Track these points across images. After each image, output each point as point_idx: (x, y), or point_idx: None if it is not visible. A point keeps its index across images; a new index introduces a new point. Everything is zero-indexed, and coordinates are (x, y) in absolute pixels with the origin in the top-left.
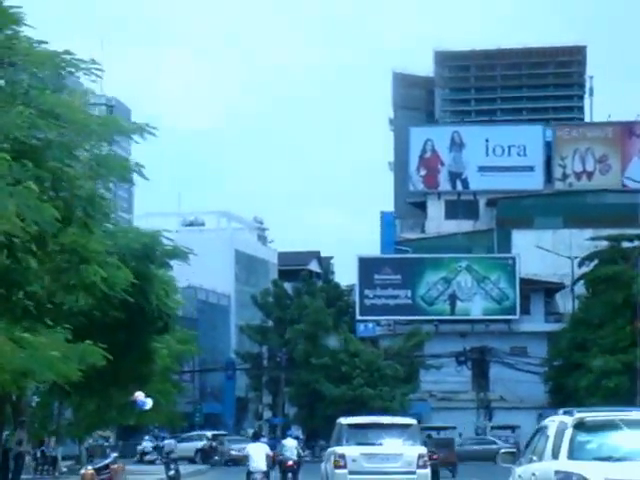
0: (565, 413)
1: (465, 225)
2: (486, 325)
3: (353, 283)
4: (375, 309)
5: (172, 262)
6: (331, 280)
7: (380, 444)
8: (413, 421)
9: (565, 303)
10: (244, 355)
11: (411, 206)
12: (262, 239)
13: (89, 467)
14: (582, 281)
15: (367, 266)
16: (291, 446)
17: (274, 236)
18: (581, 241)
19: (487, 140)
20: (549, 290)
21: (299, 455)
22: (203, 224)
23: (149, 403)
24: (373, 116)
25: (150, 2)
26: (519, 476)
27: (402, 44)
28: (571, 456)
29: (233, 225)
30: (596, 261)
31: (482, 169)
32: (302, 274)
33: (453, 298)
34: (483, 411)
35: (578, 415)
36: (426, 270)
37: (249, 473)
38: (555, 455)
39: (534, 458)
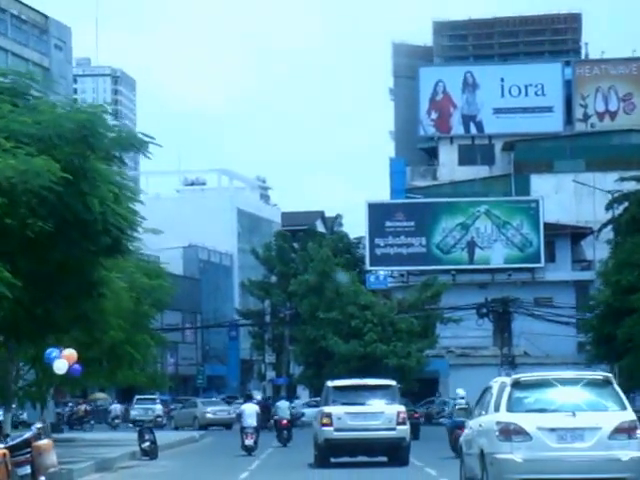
0: (506, 375)
1: (480, 171)
2: (508, 275)
3: (362, 236)
4: (387, 259)
5: (130, 160)
6: (338, 232)
7: (363, 403)
8: (393, 382)
9: (592, 250)
10: (246, 313)
11: (422, 152)
12: (265, 198)
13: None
14: (610, 226)
15: (377, 213)
16: (284, 407)
17: (277, 200)
18: (605, 185)
19: (502, 80)
20: (575, 236)
21: (291, 415)
22: (204, 184)
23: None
24: (373, 86)
25: None
26: (470, 427)
27: (401, 15)
28: (509, 409)
29: (235, 184)
30: (625, 204)
31: (497, 111)
32: (306, 231)
33: (471, 246)
34: (506, 367)
35: (515, 376)
36: (442, 216)
37: (242, 428)
38: (497, 409)
39: (482, 412)
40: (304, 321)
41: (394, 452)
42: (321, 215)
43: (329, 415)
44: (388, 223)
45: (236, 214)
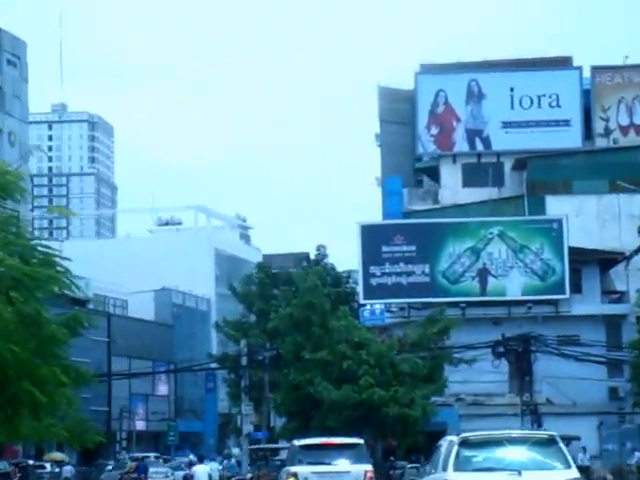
0: (456, 434)
1: (488, 193)
2: (527, 307)
3: (352, 269)
4: (383, 290)
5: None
6: (325, 264)
7: (329, 463)
8: (360, 441)
9: (622, 280)
10: (220, 359)
11: (420, 173)
12: (245, 238)
13: None
14: None
15: (372, 236)
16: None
17: (258, 241)
18: (631, 208)
19: (512, 89)
20: (603, 263)
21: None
22: (180, 223)
23: None
24: (359, 132)
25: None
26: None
27: (387, 59)
28: (457, 468)
29: (213, 223)
30: None
31: (507, 125)
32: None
33: (483, 274)
34: (529, 418)
35: (463, 434)
36: (448, 239)
37: None
38: (444, 468)
39: (432, 471)
40: (287, 364)
41: None
42: (306, 257)
43: (295, 475)
44: (385, 248)
45: (214, 255)
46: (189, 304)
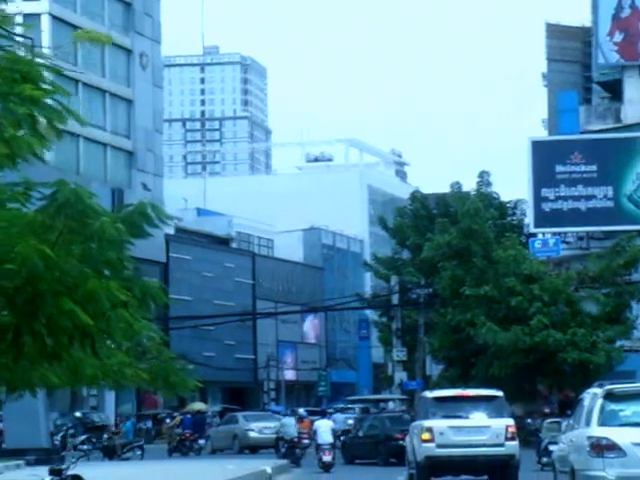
0: (598, 386)
1: None
2: None
3: (518, 199)
4: (558, 217)
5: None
6: (488, 192)
7: (466, 417)
8: (499, 393)
9: None
10: (370, 300)
11: (600, 88)
12: (401, 175)
13: None
14: None
15: (545, 154)
16: (290, 424)
17: (414, 179)
18: None
19: None
20: None
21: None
22: (330, 160)
23: None
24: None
25: None
26: (562, 443)
27: None
28: (602, 423)
29: (366, 159)
30: None
31: None
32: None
33: None
34: None
35: (608, 387)
36: (636, 156)
37: (318, 445)
38: (588, 423)
39: (575, 426)
40: (444, 302)
41: (502, 471)
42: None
43: (430, 430)
44: (559, 168)
45: (367, 192)
46: (340, 245)
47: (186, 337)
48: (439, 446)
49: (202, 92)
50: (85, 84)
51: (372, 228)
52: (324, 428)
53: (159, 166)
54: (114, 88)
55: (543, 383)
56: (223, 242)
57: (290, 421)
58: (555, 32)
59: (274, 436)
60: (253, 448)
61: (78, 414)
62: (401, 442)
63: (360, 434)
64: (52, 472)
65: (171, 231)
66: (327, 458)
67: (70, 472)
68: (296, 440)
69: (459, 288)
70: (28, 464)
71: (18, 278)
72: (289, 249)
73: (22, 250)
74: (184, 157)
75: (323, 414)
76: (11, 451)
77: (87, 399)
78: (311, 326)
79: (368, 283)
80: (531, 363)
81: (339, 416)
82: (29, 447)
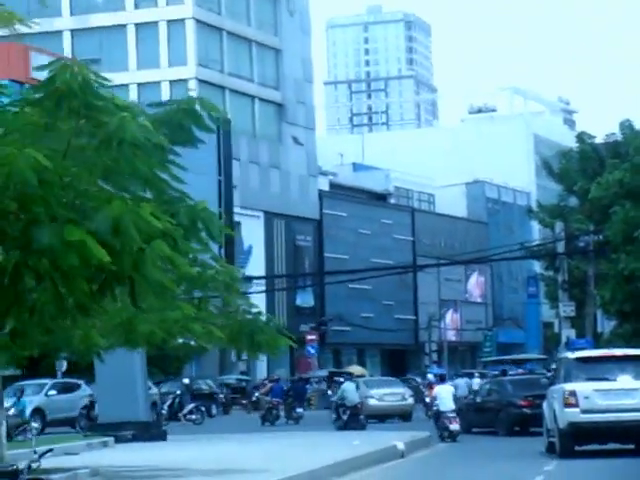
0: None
1: None
2: None
3: None
4: None
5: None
6: None
7: (614, 379)
8: None
9: None
10: (532, 250)
11: None
12: (569, 123)
13: None
14: None
15: None
16: (352, 389)
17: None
18: None
19: None
20: None
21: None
22: (494, 110)
23: None
24: None
25: None
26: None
27: None
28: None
29: (530, 107)
30: None
31: None
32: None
33: None
34: None
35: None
36: None
37: (440, 413)
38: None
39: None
40: (615, 249)
41: None
42: None
43: (573, 393)
44: None
45: (533, 142)
46: (505, 198)
47: (342, 297)
48: (584, 411)
49: (366, 52)
50: (230, 33)
51: (539, 180)
52: (445, 394)
53: (310, 118)
54: (261, 37)
55: None
56: (380, 198)
57: (350, 386)
58: None
59: (397, 404)
60: (377, 417)
61: (186, 381)
62: (525, 410)
63: (478, 400)
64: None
65: (325, 187)
66: (454, 426)
67: (38, 465)
68: (359, 406)
69: (633, 232)
70: (120, 440)
71: (5, 198)
72: (451, 204)
73: (9, 159)
74: (350, 119)
75: (443, 379)
76: (106, 425)
77: (236, 364)
78: (476, 284)
79: (536, 238)
80: None
81: (460, 381)
82: (125, 421)
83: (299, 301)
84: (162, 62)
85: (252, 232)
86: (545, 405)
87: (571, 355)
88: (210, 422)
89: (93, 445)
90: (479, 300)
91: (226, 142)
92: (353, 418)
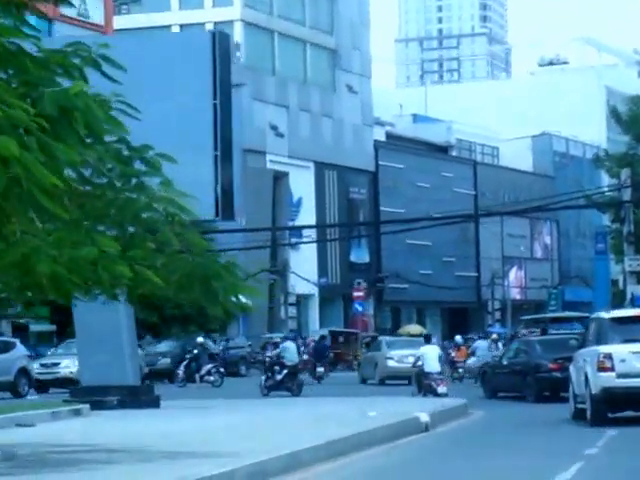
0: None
1: None
2: None
3: None
4: None
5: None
6: None
7: None
8: None
9: None
10: (595, 199)
11: None
12: None
13: None
14: None
15: None
16: (292, 349)
17: None
18: None
19: None
20: None
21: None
22: (566, 62)
23: None
24: None
25: None
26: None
27: None
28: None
29: (604, 59)
30: None
31: None
32: None
33: None
34: None
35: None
36: None
37: (426, 374)
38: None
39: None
40: None
41: None
42: None
43: (609, 356)
44: None
45: (605, 95)
46: (574, 152)
47: (400, 253)
48: (620, 376)
49: (439, 9)
50: None
51: (611, 134)
52: (431, 354)
53: (366, 66)
54: None
55: None
56: (441, 150)
57: (291, 345)
58: None
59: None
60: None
61: (200, 339)
62: (555, 374)
63: (504, 362)
64: None
65: (382, 138)
66: (442, 389)
67: None
68: (300, 366)
69: None
70: (105, 407)
71: None
72: (516, 157)
73: None
74: (421, 76)
75: (428, 340)
76: (88, 390)
77: (286, 321)
78: (541, 240)
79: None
80: None
81: (481, 343)
82: (110, 385)
83: (353, 257)
84: (206, 2)
85: (302, 183)
86: (572, 369)
87: (605, 315)
88: (229, 383)
89: (60, 414)
90: (545, 257)
91: (223, 64)
92: (290, 377)
